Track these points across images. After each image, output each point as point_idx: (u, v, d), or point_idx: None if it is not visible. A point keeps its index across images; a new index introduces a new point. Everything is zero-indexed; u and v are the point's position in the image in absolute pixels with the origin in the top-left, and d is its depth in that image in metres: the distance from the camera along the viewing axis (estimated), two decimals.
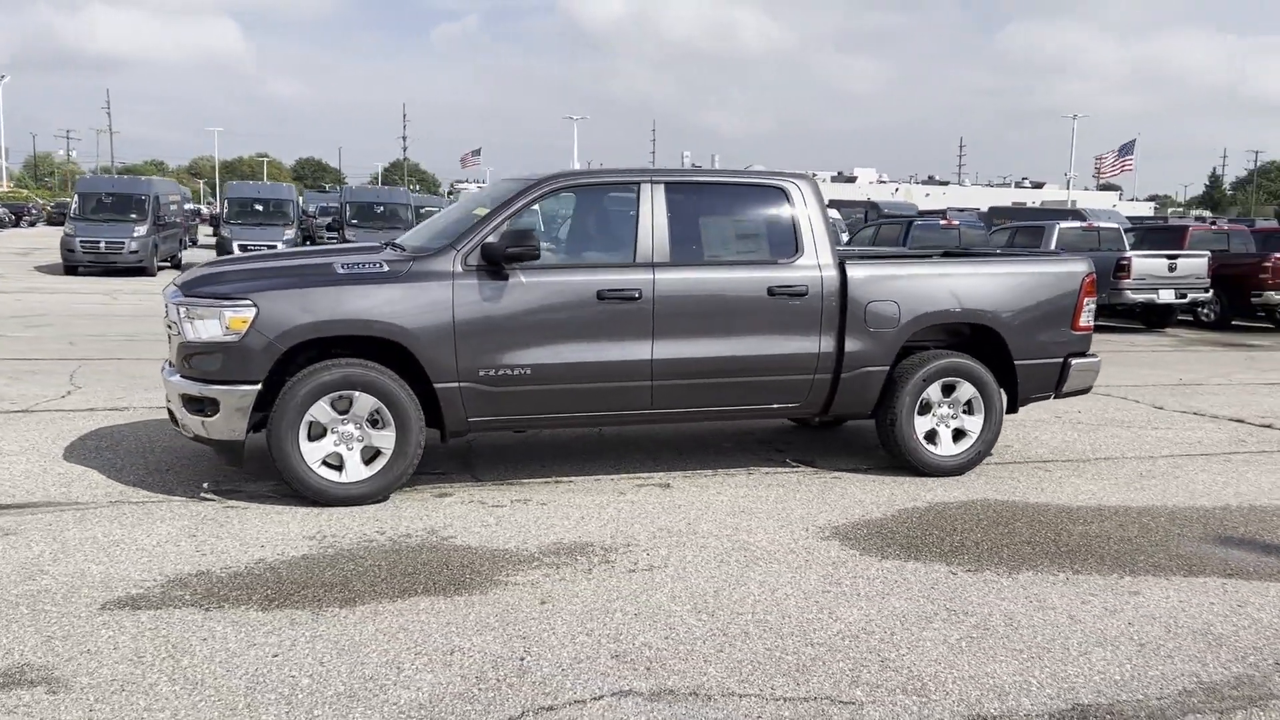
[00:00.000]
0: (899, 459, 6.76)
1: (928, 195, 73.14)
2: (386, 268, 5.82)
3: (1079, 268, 7.02)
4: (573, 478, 6.53)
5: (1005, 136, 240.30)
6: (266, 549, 5.03)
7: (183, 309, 5.72)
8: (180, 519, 5.47)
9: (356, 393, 5.70)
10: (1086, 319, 7.01)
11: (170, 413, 6.01)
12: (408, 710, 3.44)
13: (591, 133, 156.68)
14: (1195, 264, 17.14)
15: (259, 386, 5.61)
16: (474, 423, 5.96)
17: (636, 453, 7.18)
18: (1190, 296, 17.15)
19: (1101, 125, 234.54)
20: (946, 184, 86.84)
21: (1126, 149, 74.56)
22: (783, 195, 6.54)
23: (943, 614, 4.40)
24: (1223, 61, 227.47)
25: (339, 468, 5.76)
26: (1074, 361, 6.99)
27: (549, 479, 6.49)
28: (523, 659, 3.85)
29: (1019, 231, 18.98)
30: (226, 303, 5.60)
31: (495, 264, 5.87)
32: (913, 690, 3.68)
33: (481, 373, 5.86)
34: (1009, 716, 3.51)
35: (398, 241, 6.68)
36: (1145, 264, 16.92)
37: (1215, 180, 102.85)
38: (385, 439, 5.78)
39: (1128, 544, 5.43)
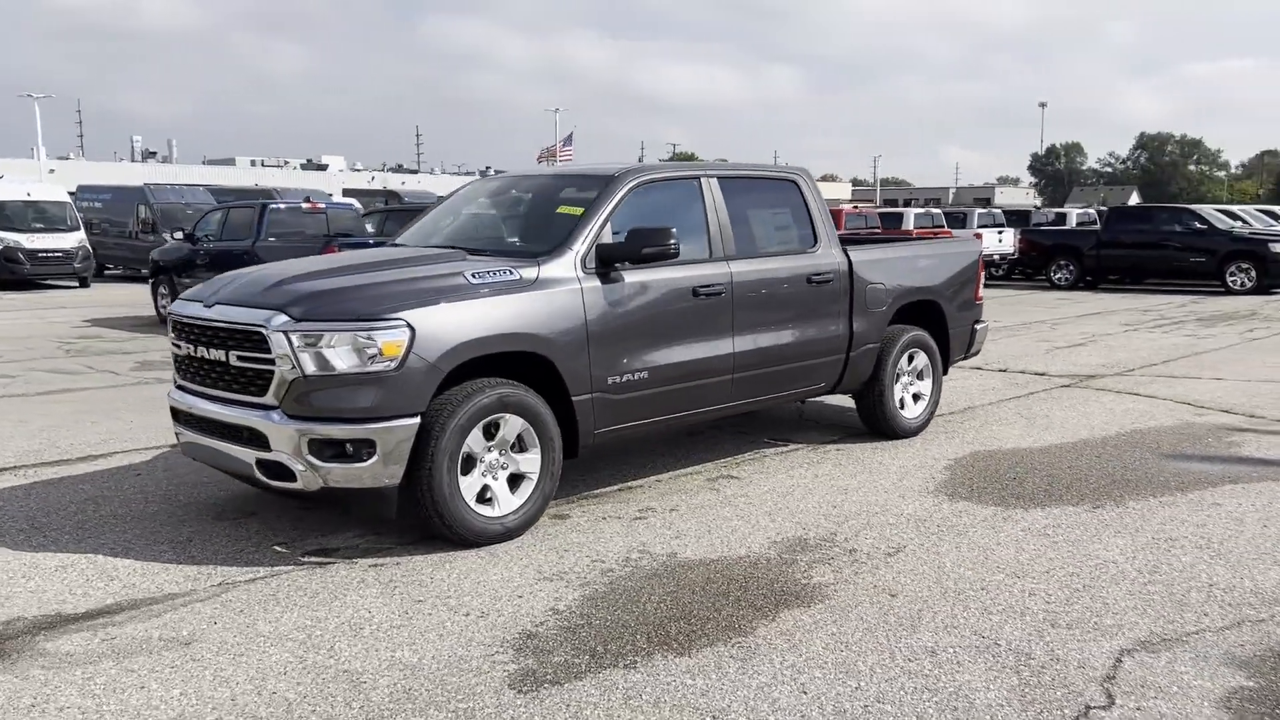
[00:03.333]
0: (878, 425, 7.42)
1: (404, 183, 73.69)
2: (516, 275, 5.25)
3: (978, 247, 8.18)
4: (634, 481, 6.34)
5: (442, 125, 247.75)
6: (531, 599, 4.42)
7: (298, 335, 4.70)
8: (355, 589, 4.56)
9: (507, 415, 5.11)
10: (981, 290, 8.19)
11: (266, 464, 4.86)
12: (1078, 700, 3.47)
13: None
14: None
15: (419, 419, 4.81)
16: (598, 434, 5.60)
17: (639, 454, 7.06)
18: None
19: (521, 116, 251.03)
20: (417, 172, 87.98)
21: (568, 140, 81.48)
22: (795, 187, 6.86)
23: (1155, 544, 5.15)
24: (614, 61, 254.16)
25: (487, 500, 5.13)
26: (977, 327, 8.15)
27: (614, 485, 6.25)
28: (1005, 645, 3.97)
29: (390, 215, 17.49)
30: (372, 324, 4.71)
31: (607, 265, 5.57)
32: (1258, 600, 4.40)
33: (610, 380, 5.54)
34: None
35: (454, 244, 5.95)
36: None
37: None
38: (530, 462, 5.25)
39: (1135, 472, 6.59)
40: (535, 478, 5.26)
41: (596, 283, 5.49)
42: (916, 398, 7.63)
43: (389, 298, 4.85)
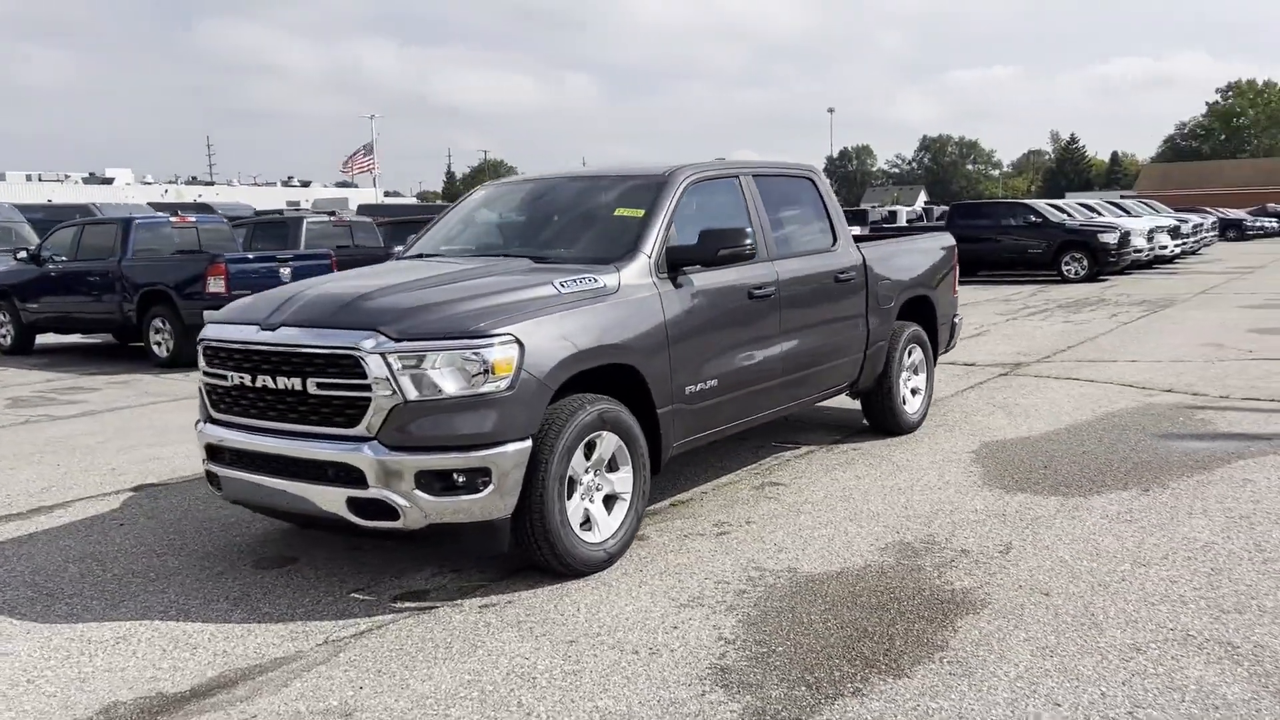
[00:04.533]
0: (884, 422, 7.38)
1: (200, 196, 69.83)
2: (600, 283, 4.88)
3: (952, 241, 8.27)
4: (680, 495, 6.05)
5: (234, 136, 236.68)
6: (689, 629, 4.09)
7: (397, 357, 4.19)
8: (487, 635, 4.11)
9: (604, 433, 4.74)
10: (957, 284, 8.29)
11: (361, 503, 4.29)
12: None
13: None
14: None
15: (531, 442, 4.38)
16: (676, 447, 5.29)
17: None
18: None
19: (316, 126, 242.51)
20: (212, 184, 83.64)
21: (370, 148, 79.45)
22: (811, 184, 6.72)
23: (1235, 523, 5.27)
24: (408, 70, 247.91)
25: (585, 525, 4.75)
26: (956, 320, 8.25)
27: (664, 501, 5.93)
28: (1200, 636, 3.92)
29: (258, 229, 17.45)
30: (478, 341, 4.25)
31: (675, 269, 5.28)
32: None
33: (687, 390, 5.24)
34: None
35: (505, 251, 5.48)
36: None
37: (450, 175, 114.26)
38: (623, 482, 4.90)
39: (1146, 454, 6.77)
40: (629, 497, 4.91)
41: (670, 287, 5.19)
42: (914, 392, 7.64)
43: (491, 312, 4.40)
